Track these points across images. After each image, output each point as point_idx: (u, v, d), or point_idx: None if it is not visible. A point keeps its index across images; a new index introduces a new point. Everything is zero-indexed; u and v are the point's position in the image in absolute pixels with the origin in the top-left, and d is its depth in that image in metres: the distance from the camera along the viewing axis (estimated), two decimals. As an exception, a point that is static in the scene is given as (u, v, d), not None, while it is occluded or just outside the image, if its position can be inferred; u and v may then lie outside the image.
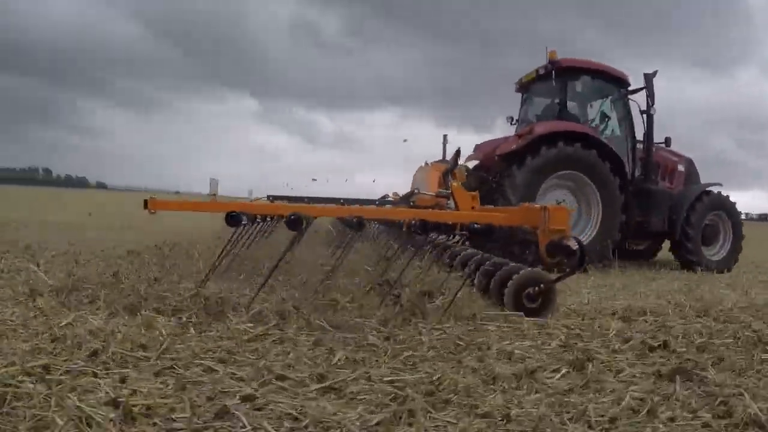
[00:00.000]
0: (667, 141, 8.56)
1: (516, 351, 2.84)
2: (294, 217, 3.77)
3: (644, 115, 8.24)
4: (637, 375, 2.54)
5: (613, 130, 8.60)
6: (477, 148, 9.19)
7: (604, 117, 8.54)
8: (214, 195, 6.42)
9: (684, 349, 2.98)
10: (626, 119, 8.38)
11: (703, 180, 9.00)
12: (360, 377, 2.33)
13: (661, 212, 8.07)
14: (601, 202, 7.60)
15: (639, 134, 8.47)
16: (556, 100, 8.12)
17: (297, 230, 3.78)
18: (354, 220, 3.99)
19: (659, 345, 3.04)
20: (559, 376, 2.49)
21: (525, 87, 9.00)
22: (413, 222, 3.82)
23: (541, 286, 3.79)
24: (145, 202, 4.79)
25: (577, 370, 2.57)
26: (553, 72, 7.96)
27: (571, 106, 8.55)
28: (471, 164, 9.28)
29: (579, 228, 7.74)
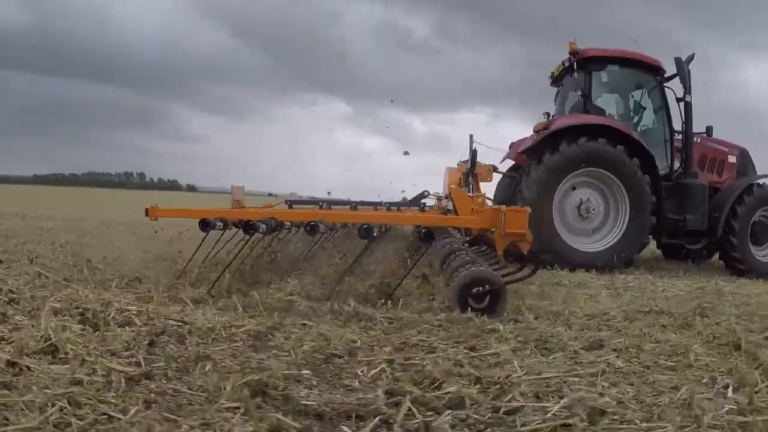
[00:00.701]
0: (708, 130, 8.08)
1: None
2: (249, 222, 4.27)
3: (680, 104, 7.85)
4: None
5: (652, 122, 8.29)
6: (511, 146, 9.17)
7: (637, 108, 8.25)
8: (238, 201, 7.09)
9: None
10: (662, 109, 8.03)
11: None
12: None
13: (699, 209, 7.62)
14: (629, 200, 7.38)
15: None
16: (579, 93, 7.96)
17: (250, 234, 4.28)
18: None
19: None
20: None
21: (557, 80, 8.88)
22: (362, 226, 4.13)
23: (486, 287, 3.89)
24: (146, 210, 5.48)
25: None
26: (575, 63, 7.84)
27: (604, 98, 8.35)
28: (506, 164, 9.31)
29: (606, 229, 7.56)
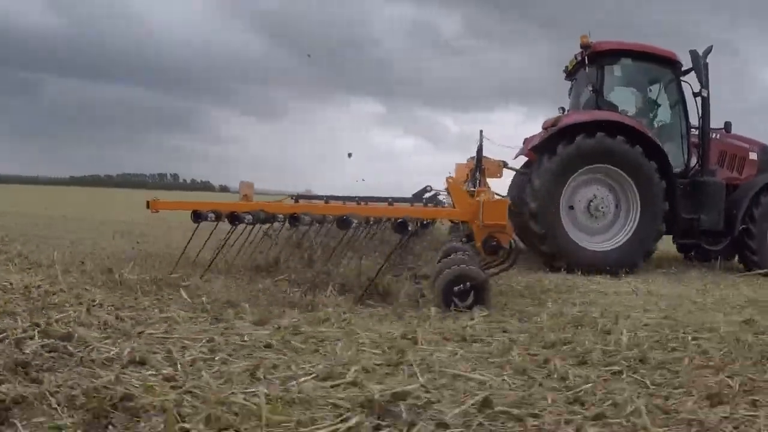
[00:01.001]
0: (727, 126, 7.92)
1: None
2: (235, 213, 4.52)
3: (697, 99, 7.72)
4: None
5: (668, 117, 8.18)
6: (525, 142, 9.19)
7: (652, 103, 8.15)
8: (246, 196, 7.38)
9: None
10: (679, 104, 7.89)
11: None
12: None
13: (715, 207, 7.45)
14: (640, 198, 7.30)
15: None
16: (589, 88, 7.92)
17: (235, 225, 4.54)
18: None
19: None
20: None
21: (571, 75, 8.85)
22: (342, 217, 4.31)
23: (468, 284, 3.97)
24: (147, 203, 5.82)
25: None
26: (586, 58, 7.81)
27: (618, 93, 8.27)
28: (521, 160, 9.32)
29: (617, 228, 7.49)
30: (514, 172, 9.20)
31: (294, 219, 4.49)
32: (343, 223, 4.21)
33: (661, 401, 2.23)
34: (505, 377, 2.49)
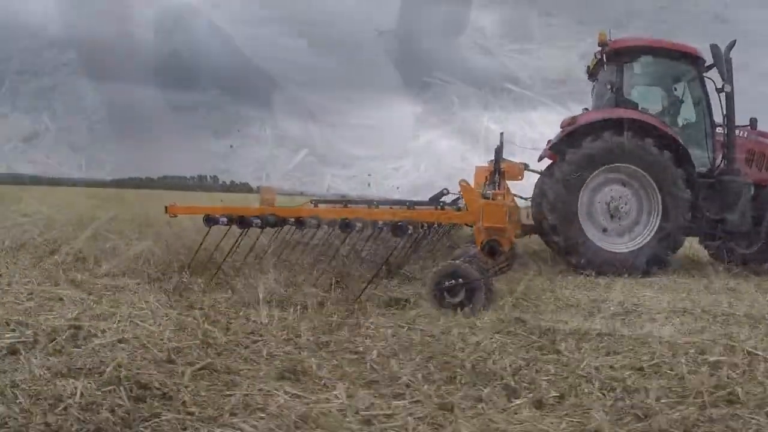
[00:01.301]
0: (753, 122, 7.74)
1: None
2: (242, 218, 4.74)
3: (720, 95, 7.58)
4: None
5: (691, 115, 8.05)
6: (548, 143, 9.17)
7: (674, 100, 8.04)
8: (267, 200, 7.61)
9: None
10: (702, 101, 7.77)
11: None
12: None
13: (741, 208, 7.28)
14: (661, 198, 7.22)
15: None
16: (608, 86, 7.87)
17: (243, 229, 4.75)
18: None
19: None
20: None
21: (593, 74, 8.80)
22: (344, 221, 4.47)
23: (459, 280, 4.08)
24: (166, 208, 6.10)
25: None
26: (604, 56, 7.77)
27: (639, 91, 8.19)
28: (543, 163, 9.31)
29: (636, 230, 7.42)
30: (538, 175, 9.19)
31: (300, 223, 4.68)
32: (345, 226, 4.38)
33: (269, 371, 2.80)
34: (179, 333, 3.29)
